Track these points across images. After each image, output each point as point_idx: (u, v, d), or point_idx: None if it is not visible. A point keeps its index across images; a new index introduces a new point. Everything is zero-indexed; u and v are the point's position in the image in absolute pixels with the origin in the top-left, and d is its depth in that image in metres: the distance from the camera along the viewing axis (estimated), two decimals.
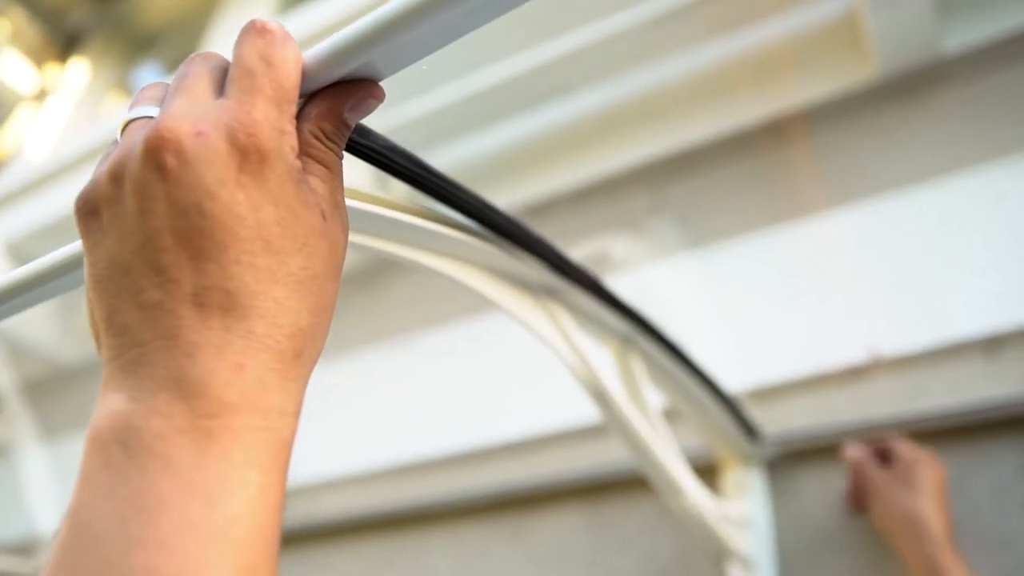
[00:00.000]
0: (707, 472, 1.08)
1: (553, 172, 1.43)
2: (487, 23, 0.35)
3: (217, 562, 0.28)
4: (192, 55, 0.36)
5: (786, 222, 1.20)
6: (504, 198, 1.44)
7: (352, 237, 0.48)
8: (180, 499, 0.28)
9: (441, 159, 1.52)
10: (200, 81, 0.34)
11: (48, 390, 1.95)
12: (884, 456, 0.95)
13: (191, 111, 0.32)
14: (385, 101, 0.38)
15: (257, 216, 0.31)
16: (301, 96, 0.35)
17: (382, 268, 1.56)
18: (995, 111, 1.17)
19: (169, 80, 0.36)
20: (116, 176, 0.32)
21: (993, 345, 1.00)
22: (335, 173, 0.36)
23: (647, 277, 1.12)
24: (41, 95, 2.42)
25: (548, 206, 1.41)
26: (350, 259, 1.51)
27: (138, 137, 0.32)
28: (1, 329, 1.71)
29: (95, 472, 0.29)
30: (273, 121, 0.32)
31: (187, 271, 0.31)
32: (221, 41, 1.94)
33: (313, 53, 0.35)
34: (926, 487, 0.87)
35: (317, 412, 1.48)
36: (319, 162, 0.35)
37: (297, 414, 0.33)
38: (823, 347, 1.09)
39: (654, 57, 1.36)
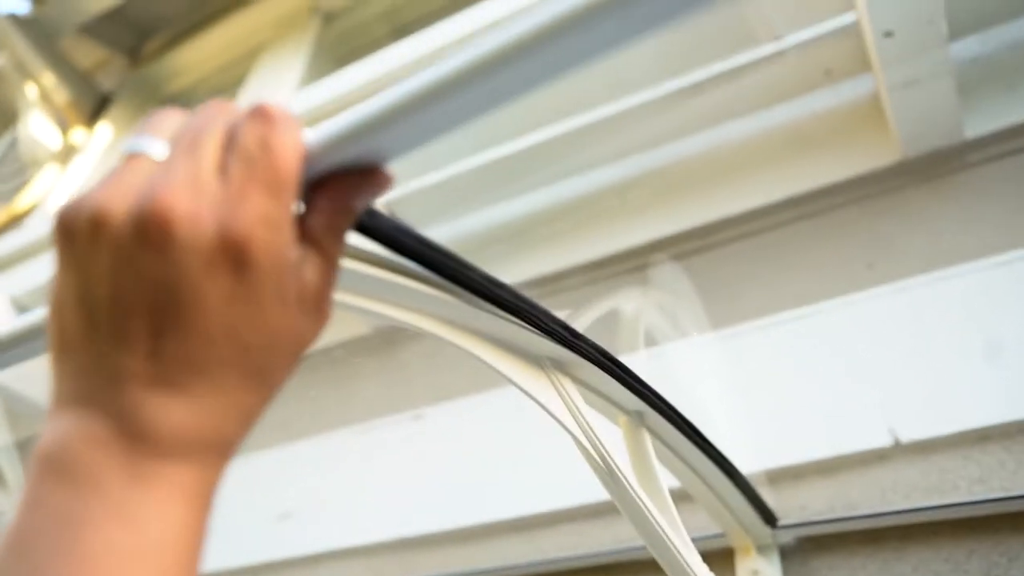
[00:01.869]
0: (719, 559, 1.04)
1: (572, 246, 1.42)
2: (496, 109, 0.34)
3: None
4: (211, 103, 0.36)
5: (807, 304, 1.18)
6: (520, 271, 1.43)
7: (361, 302, 0.47)
8: (108, 521, 0.31)
9: (470, 227, 1.52)
10: (211, 145, 0.33)
11: None
12: None
13: (193, 187, 0.32)
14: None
15: (229, 311, 0.32)
16: (303, 182, 0.35)
17: (392, 341, 1.55)
18: (1018, 197, 1.16)
19: (185, 116, 0.36)
20: (101, 220, 0.32)
21: (1019, 434, 0.96)
22: (333, 264, 0.36)
23: (662, 354, 1.10)
24: (67, 155, 2.46)
25: (564, 279, 1.40)
26: (362, 330, 1.50)
27: (134, 193, 0.32)
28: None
29: (33, 488, 0.32)
30: (269, 216, 0.32)
31: (147, 338, 0.32)
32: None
33: (316, 136, 0.34)
34: None
35: (319, 482, 1.45)
36: (320, 252, 0.35)
37: (227, 465, 0.35)
38: (843, 431, 1.05)
39: (678, 133, 1.37)
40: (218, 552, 1.45)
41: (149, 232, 0.31)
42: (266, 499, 1.48)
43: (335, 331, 1.54)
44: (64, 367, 0.34)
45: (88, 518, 0.30)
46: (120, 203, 0.32)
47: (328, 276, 0.36)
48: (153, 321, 0.32)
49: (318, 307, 0.36)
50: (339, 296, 0.47)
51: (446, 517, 1.27)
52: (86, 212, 0.32)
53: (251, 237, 0.31)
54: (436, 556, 1.27)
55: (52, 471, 0.32)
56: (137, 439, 0.32)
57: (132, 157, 0.34)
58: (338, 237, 0.36)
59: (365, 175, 0.36)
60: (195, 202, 0.31)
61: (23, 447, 1.78)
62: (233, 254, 0.31)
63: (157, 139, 0.34)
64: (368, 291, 0.47)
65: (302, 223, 0.35)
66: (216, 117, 0.35)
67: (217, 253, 0.31)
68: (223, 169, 0.33)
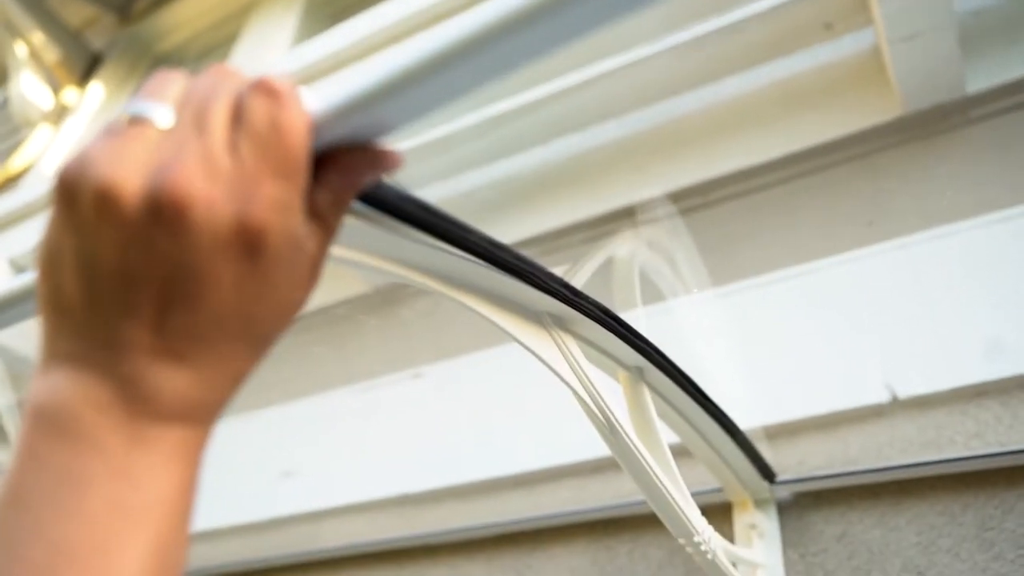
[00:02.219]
0: (717, 513, 1.05)
1: (569, 203, 1.42)
2: (509, 74, 0.33)
3: (135, 537, 0.31)
4: (213, 68, 0.35)
5: (807, 261, 1.18)
6: (518, 229, 1.43)
7: (363, 258, 0.47)
8: (109, 480, 0.32)
9: (468, 185, 1.51)
10: (219, 119, 0.33)
11: None
12: None
13: (206, 168, 0.31)
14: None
15: (239, 291, 0.33)
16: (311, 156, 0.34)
17: (392, 300, 1.55)
18: (1019, 153, 1.15)
19: (188, 79, 0.36)
20: (111, 195, 0.31)
21: (1018, 389, 0.97)
22: (333, 235, 0.37)
23: (661, 311, 1.10)
24: (59, 115, 2.44)
25: (562, 236, 1.40)
26: (362, 288, 1.49)
27: (146, 168, 0.32)
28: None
29: (30, 444, 0.32)
30: (283, 201, 0.32)
31: (153, 311, 0.32)
32: (242, 64, 1.95)
33: (321, 106, 0.34)
34: None
35: (321, 440, 1.46)
36: (323, 225, 0.35)
37: (214, 425, 0.36)
38: (841, 387, 1.06)
39: (677, 89, 1.35)
40: (222, 509, 1.47)
41: (164, 214, 0.31)
42: (269, 457, 1.49)
43: (336, 289, 1.54)
44: (59, 325, 0.34)
45: (90, 477, 0.31)
46: (132, 179, 0.31)
47: (326, 246, 0.36)
48: (161, 296, 0.32)
49: (314, 275, 0.36)
50: (342, 252, 0.47)
51: (447, 473, 1.29)
52: (93, 182, 0.32)
53: (266, 224, 0.32)
54: (437, 512, 1.28)
55: (51, 429, 0.32)
56: (138, 404, 0.33)
57: (136, 122, 0.33)
58: (342, 211, 0.36)
59: (376, 154, 0.36)
60: (210, 186, 0.31)
61: (24, 406, 1.78)
62: (248, 241, 0.32)
63: (161, 104, 0.34)
64: (370, 248, 0.47)
65: (309, 197, 0.35)
66: (220, 85, 0.34)
67: (232, 239, 0.31)
68: (233, 147, 0.32)
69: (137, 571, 0.31)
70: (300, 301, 0.36)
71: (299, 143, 0.33)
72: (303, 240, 0.34)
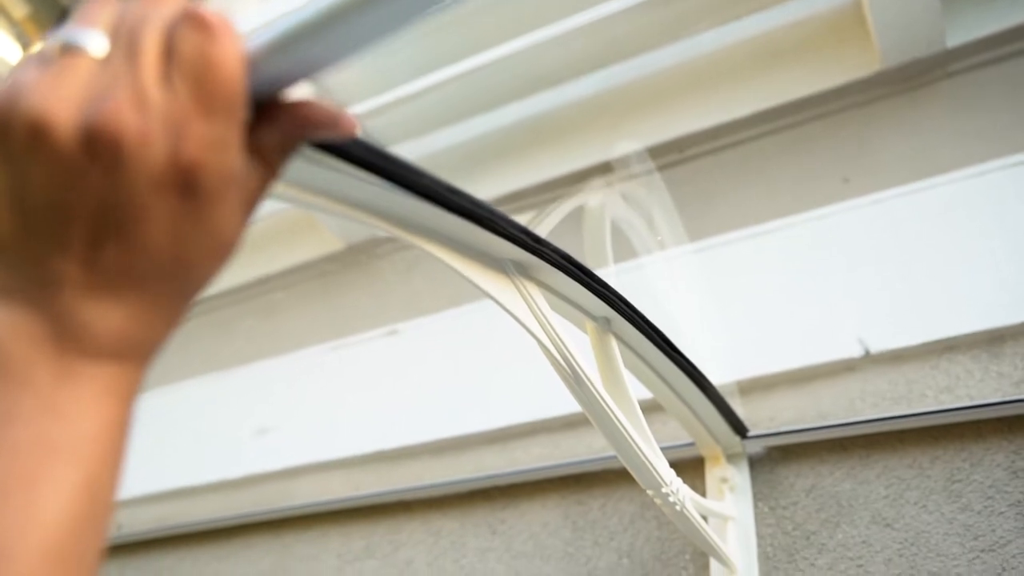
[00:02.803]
0: (689, 467, 1.05)
1: (542, 161, 1.40)
2: (452, 4, 0.32)
3: (63, 473, 0.31)
4: None
5: (782, 216, 1.18)
6: (489, 187, 1.41)
7: (322, 201, 0.46)
8: (36, 414, 0.31)
9: (439, 144, 1.49)
10: (150, 50, 0.31)
11: None
12: None
13: (139, 101, 0.30)
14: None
15: (173, 230, 0.32)
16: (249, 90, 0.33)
17: (368, 256, 1.54)
18: (998, 107, 1.14)
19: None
20: (43, 128, 0.30)
21: (988, 343, 0.97)
22: (273, 177, 0.36)
23: (633, 268, 1.09)
24: None
25: (533, 195, 1.39)
26: (336, 245, 1.48)
27: (79, 101, 0.30)
28: None
29: None
30: (216, 137, 0.31)
31: (85, 246, 0.32)
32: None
33: (258, 42, 0.32)
34: None
35: (296, 397, 1.46)
36: (265, 165, 0.35)
37: (150, 365, 0.36)
38: (813, 342, 1.06)
39: (654, 44, 1.33)
40: (197, 467, 1.46)
41: (97, 148, 0.30)
42: (243, 414, 1.48)
43: (310, 246, 1.53)
44: None
45: (18, 412, 0.31)
46: (64, 112, 0.30)
47: (266, 187, 0.36)
48: (94, 231, 0.31)
49: (246, 215, 0.35)
50: (299, 194, 0.46)
51: (421, 430, 1.29)
52: (25, 114, 0.30)
53: (200, 162, 0.31)
54: (412, 468, 1.28)
55: None
56: (69, 339, 0.32)
57: (68, 51, 0.32)
58: (286, 156, 0.36)
59: (336, 114, 0.35)
60: (143, 120, 0.30)
61: None
62: (181, 177, 0.31)
63: (95, 32, 0.32)
64: (323, 190, 0.46)
65: (253, 133, 0.34)
66: (152, 12, 0.32)
67: (166, 177, 0.31)
68: (167, 80, 0.31)
69: (64, 507, 0.31)
70: (233, 242, 0.35)
71: (232, 79, 0.31)
72: (241, 179, 0.33)
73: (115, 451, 0.34)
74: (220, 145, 0.31)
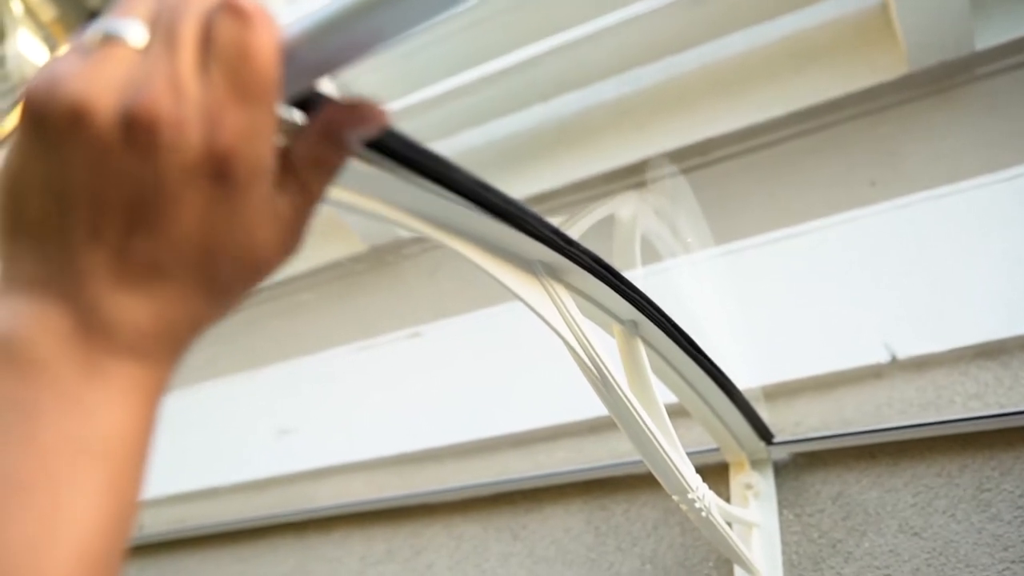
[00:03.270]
0: (713, 473, 1.05)
1: (570, 162, 1.40)
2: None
3: (89, 471, 0.31)
4: None
5: (807, 220, 1.17)
6: (517, 188, 1.41)
7: (350, 197, 0.46)
8: (62, 412, 0.30)
9: (467, 144, 1.49)
10: (188, 39, 0.32)
11: None
12: None
13: (176, 89, 0.31)
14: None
15: (203, 219, 0.32)
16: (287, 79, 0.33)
17: (392, 257, 1.54)
18: None
19: None
20: (83, 115, 0.31)
21: (1019, 349, 0.96)
22: (312, 200, 0.36)
23: (661, 270, 1.09)
24: None
25: (561, 196, 1.38)
26: (359, 247, 1.48)
27: (117, 88, 0.31)
28: None
29: None
30: (252, 127, 0.32)
31: (118, 235, 0.32)
32: None
33: (295, 30, 0.33)
34: None
35: (318, 399, 1.46)
36: (300, 187, 0.35)
37: (175, 368, 0.36)
38: (839, 347, 1.05)
39: (679, 46, 1.33)
40: (219, 468, 1.47)
41: (135, 135, 0.30)
42: (265, 415, 1.49)
43: (333, 247, 1.53)
44: (20, 250, 0.33)
45: (42, 408, 0.30)
46: (104, 99, 0.31)
47: (304, 211, 0.36)
48: (127, 219, 0.31)
49: (287, 238, 0.36)
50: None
51: (444, 433, 1.28)
52: (65, 102, 0.31)
53: (234, 150, 0.31)
54: (435, 471, 1.28)
55: (3, 355, 0.31)
56: (96, 333, 0.32)
57: (108, 41, 0.32)
58: (322, 174, 0.36)
59: (357, 109, 0.35)
60: (179, 107, 0.30)
61: None
62: (215, 165, 0.31)
63: (134, 21, 0.33)
64: (354, 186, 0.46)
65: (288, 154, 0.35)
66: (189, 1, 0.33)
67: (200, 163, 0.31)
68: (203, 69, 0.31)
69: (91, 509, 0.30)
70: (265, 256, 0.35)
71: (268, 67, 0.32)
72: (275, 189, 0.34)
73: (141, 451, 0.33)
74: (254, 133, 0.32)
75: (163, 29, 0.32)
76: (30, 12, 2.40)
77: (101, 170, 0.31)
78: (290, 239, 0.36)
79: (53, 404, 0.30)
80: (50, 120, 0.31)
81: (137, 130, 0.30)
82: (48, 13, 2.44)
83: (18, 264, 0.33)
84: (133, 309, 0.32)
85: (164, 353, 0.34)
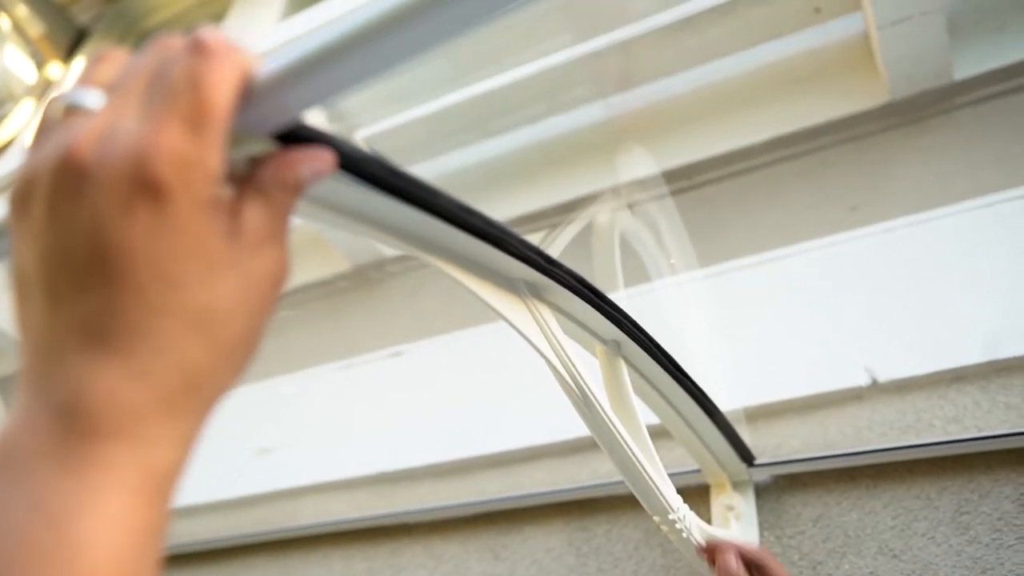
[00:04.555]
0: (695, 494, 1.05)
1: (556, 184, 1.41)
2: (465, 34, 0.32)
3: None
4: (156, 41, 0.33)
5: (791, 243, 1.18)
6: (503, 209, 1.42)
7: (337, 217, 0.46)
8: (28, 520, 0.27)
9: (452, 165, 1.50)
10: (137, 87, 0.31)
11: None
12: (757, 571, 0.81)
13: (108, 129, 0.30)
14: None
15: (152, 249, 0.29)
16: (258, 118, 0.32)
17: (374, 277, 1.54)
18: (1005, 139, 1.15)
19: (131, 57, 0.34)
20: (29, 185, 0.31)
21: (997, 374, 0.97)
22: (279, 211, 0.34)
23: (644, 291, 1.09)
24: (43, 90, 2.41)
25: (547, 217, 1.39)
26: (343, 265, 1.48)
27: (55, 147, 0.30)
28: None
29: None
30: (182, 150, 0.29)
31: (73, 296, 0.30)
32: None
33: (268, 70, 0.32)
34: None
35: (299, 417, 1.45)
36: (264, 200, 0.33)
37: (183, 446, 0.31)
38: (821, 370, 1.06)
39: (665, 71, 1.34)
40: (198, 486, 1.45)
41: (63, 183, 0.29)
42: (246, 434, 1.48)
43: (316, 267, 1.53)
44: (21, 343, 0.31)
45: (10, 517, 0.27)
46: (44, 165, 0.30)
47: (274, 221, 0.33)
48: (76, 275, 0.29)
49: (261, 246, 0.33)
50: (311, 208, 0.46)
51: (425, 452, 1.28)
52: (19, 184, 0.31)
53: (162, 169, 0.29)
54: (415, 491, 1.27)
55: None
56: (69, 416, 0.29)
57: (69, 112, 0.32)
58: (284, 189, 0.34)
59: (309, 154, 0.34)
60: (107, 144, 0.29)
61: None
62: (145, 187, 0.29)
63: (92, 90, 0.32)
64: (340, 206, 0.46)
65: (258, 176, 0.33)
66: (153, 55, 0.32)
67: (129, 189, 0.29)
68: (145, 105, 0.30)
69: None
70: (248, 274, 0.32)
71: (215, 97, 0.30)
72: (233, 206, 0.32)
73: (127, 557, 0.29)
74: (189, 159, 0.30)
75: (118, 86, 0.32)
76: (17, 28, 2.40)
77: (46, 232, 0.30)
78: (267, 246, 0.33)
79: (21, 510, 0.28)
80: (14, 205, 0.31)
81: (62, 176, 0.29)
82: (36, 30, 2.44)
83: (21, 363, 0.31)
84: (104, 375, 0.29)
85: (151, 424, 0.30)
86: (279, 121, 0.34)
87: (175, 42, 0.33)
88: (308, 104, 0.34)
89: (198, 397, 0.32)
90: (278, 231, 0.34)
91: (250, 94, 0.32)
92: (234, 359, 0.33)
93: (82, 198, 0.29)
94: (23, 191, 0.31)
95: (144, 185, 0.29)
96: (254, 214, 0.33)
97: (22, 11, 2.41)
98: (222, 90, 0.30)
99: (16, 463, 0.28)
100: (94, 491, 0.28)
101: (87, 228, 0.29)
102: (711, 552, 0.80)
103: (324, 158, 0.35)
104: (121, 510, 0.29)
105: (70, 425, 0.28)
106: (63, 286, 0.30)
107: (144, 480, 0.29)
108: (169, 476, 0.31)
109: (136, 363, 0.29)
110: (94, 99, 0.32)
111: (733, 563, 0.78)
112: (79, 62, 2.40)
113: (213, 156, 0.30)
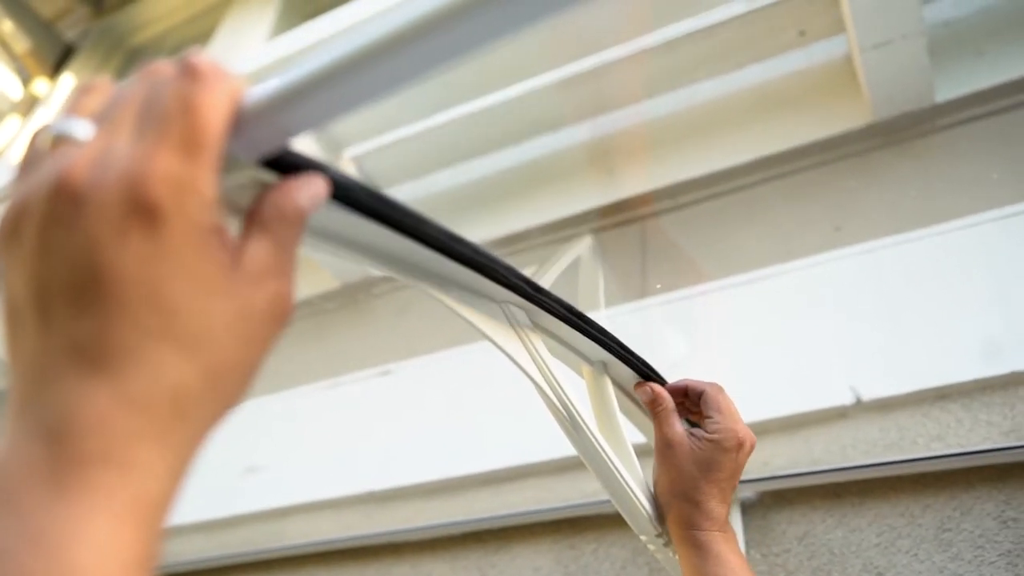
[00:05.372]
0: None
1: (539, 204, 1.42)
2: (459, 62, 0.32)
3: None
4: (145, 68, 0.34)
5: (775, 264, 1.19)
6: (487, 229, 1.43)
7: (335, 248, 0.47)
8: (18, 546, 0.27)
9: (439, 185, 1.50)
10: (128, 113, 0.31)
11: None
12: (693, 400, 0.77)
13: (101, 155, 0.30)
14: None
15: (146, 273, 0.29)
16: (252, 143, 0.33)
17: (362, 296, 1.54)
18: (986, 161, 1.17)
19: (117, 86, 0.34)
20: (20, 214, 0.31)
21: (979, 392, 0.98)
22: (283, 245, 0.34)
23: (628, 312, 1.10)
24: (29, 106, 2.41)
25: (530, 238, 1.40)
26: (331, 284, 1.48)
27: (47, 174, 0.30)
28: None
29: None
30: (176, 174, 0.30)
31: (67, 321, 0.29)
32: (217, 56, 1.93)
33: (259, 94, 0.32)
34: (727, 468, 0.72)
35: (287, 437, 1.45)
36: (265, 233, 0.33)
37: (174, 474, 0.31)
38: (805, 389, 1.07)
39: (649, 92, 1.36)
40: (185, 506, 1.45)
41: (56, 208, 0.29)
42: (233, 453, 1.47)
43: (304, 285, 1.53)
44: (12, 382, 0.31)
45: (2, 545, 0.27)
46: (36, 193, 0.30)
47: (279, 256, 0.34)
48: (70, 300, 0.29)
49: (262, 280, 0.33)
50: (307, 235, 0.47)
51: (413, 471, 1.28)
52: (9, 212, 0.31)
53: (157, 194, 0.29)
54: (403, 510, 1.27)
55: None
56: (59, 442, 0.28)
57: (58, 142, 0.32)
58: (286, 223, 0.34)
59: (305, 182, 0.35)
60: (100, 170, 0.29)
61: None
62: (139, 211, 0.29)
63: (81, 120, 0.33)
64: (330, 232, 0.46)
65: (261, 206, 0.34)
66: (143, 82, 0.33)
67: (124, 213, 0.29)
68: (138, 130, 0.31)
69: None
70: (245, 303, 0.32)
71: (208, 121, 0.30)
72: (244, 243, 0.33)
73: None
74: (181, 185, 0.30)
75: (108, 114, 0.32)
76: (3, 44, 2.40)
77: (38, 259, 0.30)
78: (268, 277, 0.33)
79: (12, 539, 0.27)
80: (3, 236, 0.32)
81: (56, 203, 0.29)
82: (22, 45, 2.44)
83: (9, 392, 0.31)
84: (92, 397, 0.29)
85: (141, 447, 0.30)
86: (269, 147, 0.34)
87: (165, 67, 0.33)
88: (299, 130, 0.34)
89: (189, 424, 0.31)
90: (283, 266, 0.34)
91: (240, 119, 0.32)
92: (226, 388, 0.33)
93: (76, 223, 0.29)
94: (13, 219, 0.31)
95: (138, 208, 0.29)
96: (256, 248, 0.33)
97: (8, 27, 2.42)
98: (215, 113, 0.31)
99: (6, 489, 0.28)
100: (85, 517, 0.28)
101: (81, 252, 0.29)
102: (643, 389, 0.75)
103: (318, 185, 0.35)
104: (112, 536, 0.28)
105: (60, 450, 0.28)
106: (55, 311, 0.29)
107: (134, 506, 0.29)
108: (160, 503, 0.30)
109: (127, 388, 0.29)
110: (83, 129, 0.32)
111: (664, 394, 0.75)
112: (66, 81, 2.40)
113: (207, 180, 0.31)
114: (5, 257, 0.32)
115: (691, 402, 0.77)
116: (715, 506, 0.71)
